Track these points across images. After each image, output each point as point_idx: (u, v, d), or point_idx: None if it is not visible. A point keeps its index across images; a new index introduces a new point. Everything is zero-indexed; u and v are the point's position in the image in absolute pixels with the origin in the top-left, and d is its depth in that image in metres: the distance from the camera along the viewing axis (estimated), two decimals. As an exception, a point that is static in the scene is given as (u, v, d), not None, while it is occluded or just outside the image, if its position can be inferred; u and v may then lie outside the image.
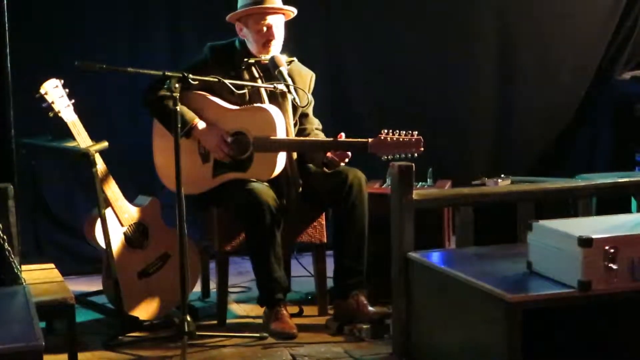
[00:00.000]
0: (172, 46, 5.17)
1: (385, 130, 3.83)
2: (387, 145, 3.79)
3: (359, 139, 3.85)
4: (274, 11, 3.97)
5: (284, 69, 3.88)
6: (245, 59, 3.98)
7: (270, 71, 3.92)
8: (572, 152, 5.93)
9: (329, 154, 3.93)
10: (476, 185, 4.37)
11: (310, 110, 4.16)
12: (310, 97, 4.10)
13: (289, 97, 3.96)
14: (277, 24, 3.98)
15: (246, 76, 3.97)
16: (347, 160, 3.94)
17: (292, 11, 4.03)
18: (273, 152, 3.90)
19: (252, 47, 3.99)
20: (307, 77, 4.13)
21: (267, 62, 3.95)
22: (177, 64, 4.62)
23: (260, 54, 3.98)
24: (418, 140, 3.80)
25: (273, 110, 3.93)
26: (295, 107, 4.05)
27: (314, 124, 4.16)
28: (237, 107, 3.96)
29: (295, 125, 4.08)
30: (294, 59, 4.09)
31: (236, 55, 4.01)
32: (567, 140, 5.93)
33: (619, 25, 5.93)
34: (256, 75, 3.99)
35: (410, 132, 3.82)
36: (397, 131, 3.82)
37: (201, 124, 3.91)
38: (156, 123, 4.01)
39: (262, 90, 3.97)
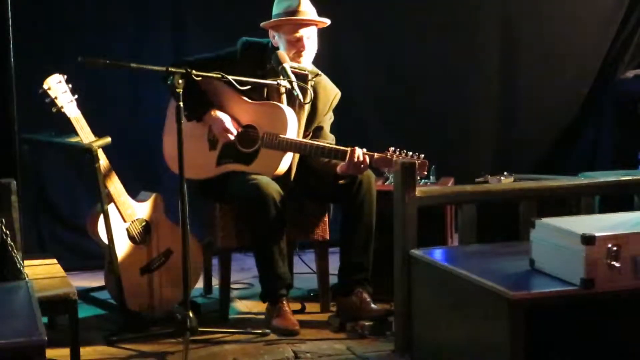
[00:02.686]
0: (175, 41, 5.17)
1: (392, 148, 3.82)
2: (392, 164, 3.77)
3: (366, 152, 3.83)
4: (306, 23, 3.96)
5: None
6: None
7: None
8: (575, 150, 5.93)
9: (339, 170, 3.89)
10: (479, 183, 4.37)
11: (327, 126, 4.17)
12: (331, 114, 4.14)
13: (306, 107, 3.97)
14: (309, 34, 3.97)
15: (271, 79, 3.96)
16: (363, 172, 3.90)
17: (325, 22, 4.02)
18: (279, 150, 3.91)
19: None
20: (331, 94, 4.13)
21: (298, 69, 3.91)
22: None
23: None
24: (423, 163, 3.78)
25: (288, 110, 3.94)
26: (310, 119, 4.06)
27: (328, 138, 4.14)
28: (255, 102, 3.97)
29: (307, 136, 4.08)
30: (320, 72, 4.07)
31: (267, 55, 3.98)
32: (570, 139, 5.93)
33: (621, 25, 5.94)
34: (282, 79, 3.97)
35: (417, 154, 3.80)
36: (404, 151, 3.81)
37: (215, 110, 3.92)
38: (172, 105, 3.98)
39: (283, 94, 3.98)
